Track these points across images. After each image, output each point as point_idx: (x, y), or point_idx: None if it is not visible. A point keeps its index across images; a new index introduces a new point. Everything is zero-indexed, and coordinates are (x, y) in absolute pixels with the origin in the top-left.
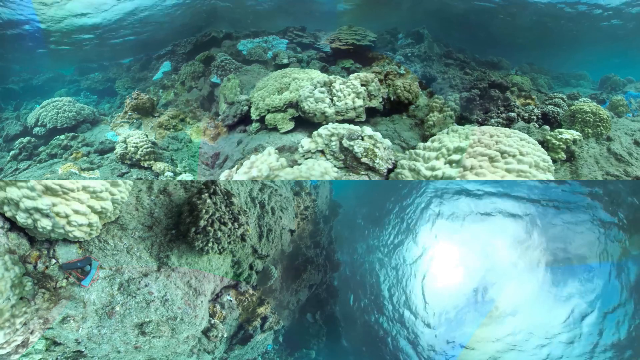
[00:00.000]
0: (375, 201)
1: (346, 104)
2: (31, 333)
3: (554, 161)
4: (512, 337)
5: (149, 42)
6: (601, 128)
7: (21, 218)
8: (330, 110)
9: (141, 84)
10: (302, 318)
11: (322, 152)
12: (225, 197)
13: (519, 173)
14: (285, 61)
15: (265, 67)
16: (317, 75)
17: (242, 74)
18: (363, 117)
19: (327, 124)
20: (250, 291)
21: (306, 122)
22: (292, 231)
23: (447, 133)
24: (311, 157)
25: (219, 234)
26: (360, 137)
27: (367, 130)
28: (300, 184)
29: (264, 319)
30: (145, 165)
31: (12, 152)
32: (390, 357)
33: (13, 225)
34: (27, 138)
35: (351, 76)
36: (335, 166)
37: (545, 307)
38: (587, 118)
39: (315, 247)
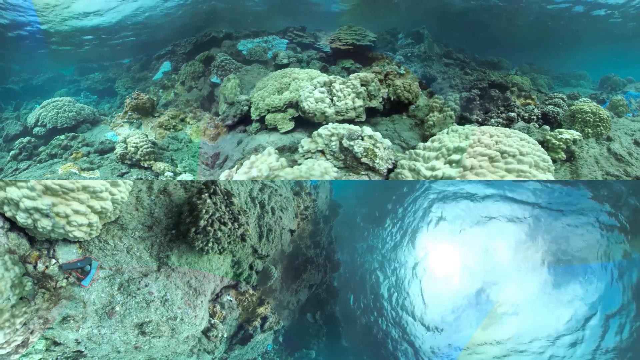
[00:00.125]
0: (376, 201)
1: (346, 104)
2: (31, 333)
3: (554, 161)
4: (513, 339)
5: (149, 42)
6: (601, 128)
7: (21, 218)
8: (330, 110)
9: (141, 84)
10: (302, 318)
11: (322, 152)
12: (225, 197)
13: (519, 173)
14: (285, 61)
15: (265, 67)
16: (317, 75)
17: (242, 74)
18: (363, 117)
19: (327, 124)
20: (250, 291)
21: (306, 122)
22: (292, 231)
23: (447, 133)
24: (311, 157)
25: (219, 234)
26: (360, 137)
27: (367, 130)
28: (300, 184)
29: (264, 319)
30: (145, 165)
31: (12, 152)
32: (390, 358)
33: (13, 225)
34: (27, 138)
35: (351, 76)
36: (335, 166)
37: (547, 309)
38: (587, 118)
39: (315, 247)
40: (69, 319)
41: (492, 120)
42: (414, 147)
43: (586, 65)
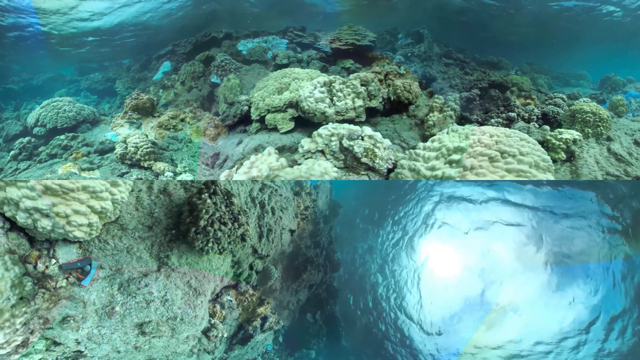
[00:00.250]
0: (375, 201)
1: (346, 104)
2: (31, 333)
3: (554, 161)
4: (514, 342)
5: (149, 43)
6: (601, 128)
7: (21, 218)
8: (330, 110)
9: (141, 84)
10: (302, 318)
11: (322, 152)
12: (225, 197)
13: (519, 173)
14: (285, 61)
15: (265, 67)
16: (317, 75)
17: (242, 74)
18: (363, 117)
19: (327, 124)
20: (250, 291)
21: (306, 122)
22: (292, 231)
23: (447, 133)
24: (311, 157)
25: (219, 234)
26: (360, 137)
27: (367, 130)
28: (300, 184)
29: (264, 319)
30: (145, 165)
31: (12, 152)
32: (389, 358)
33: (13, 225)
34: (27, 138)
35: (351, 76)
36: (335, 166)
37: (549, 312)
38: (587, 118)
39: (315, 247)
40: (69, 319)
41: (492, 120)
42: (414, 147)
43: (586, 65)
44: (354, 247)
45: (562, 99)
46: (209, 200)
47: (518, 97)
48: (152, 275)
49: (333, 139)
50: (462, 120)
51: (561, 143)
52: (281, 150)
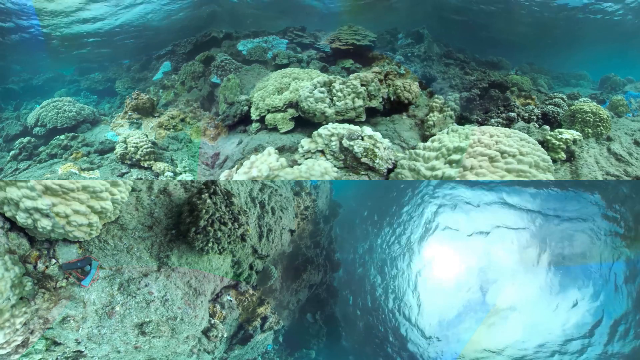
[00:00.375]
0: (376, 201)
1: (346, 104)
2: (31, 333)
3: (554, 161)
4: (516, 345)
5: (149, 43)
6: (601, 128)
7: (21, 218)
8: (330, 110)
9: (141, 84)
10: (302, 318)
11: (322, 152)
12: (225, 197)
13: (519, 173)
14: (285, 61)
15: (265, 67)
16: (317, 75)
17: (242, 74)
18: (363, 117)
19: (327, 124)
20: (250, 291)
21: (306, 122)
22: (292, 231)
23: (447, 133)
24: (311, 157)
25: (219, 234)
26: (360, 137)
27: (367, 130)
28: (300, 184)
29: (264, 319)
30: (145, 165)
31: (12, 152)
32: (389, 358)
33: (13, 225)
34: (27, 138)
35: (351, 76)
36: (335, 166)
37: (550, 315)
38: (587, 118)
39: (315, 247)
40: (69, 319)
41: (492, 120)
42: (414, 147)
43: (586, 65)
44: (354, 247)
45: (562, 99)
46: (209, 200)
47: (518, 97)
48: (152, 275)
49: (333, 139)
50: (462, 120)
51: (561, 143)
52: (281, 150)
